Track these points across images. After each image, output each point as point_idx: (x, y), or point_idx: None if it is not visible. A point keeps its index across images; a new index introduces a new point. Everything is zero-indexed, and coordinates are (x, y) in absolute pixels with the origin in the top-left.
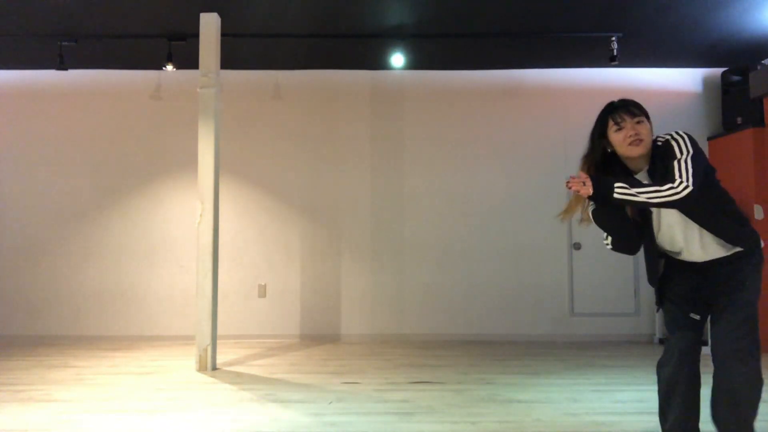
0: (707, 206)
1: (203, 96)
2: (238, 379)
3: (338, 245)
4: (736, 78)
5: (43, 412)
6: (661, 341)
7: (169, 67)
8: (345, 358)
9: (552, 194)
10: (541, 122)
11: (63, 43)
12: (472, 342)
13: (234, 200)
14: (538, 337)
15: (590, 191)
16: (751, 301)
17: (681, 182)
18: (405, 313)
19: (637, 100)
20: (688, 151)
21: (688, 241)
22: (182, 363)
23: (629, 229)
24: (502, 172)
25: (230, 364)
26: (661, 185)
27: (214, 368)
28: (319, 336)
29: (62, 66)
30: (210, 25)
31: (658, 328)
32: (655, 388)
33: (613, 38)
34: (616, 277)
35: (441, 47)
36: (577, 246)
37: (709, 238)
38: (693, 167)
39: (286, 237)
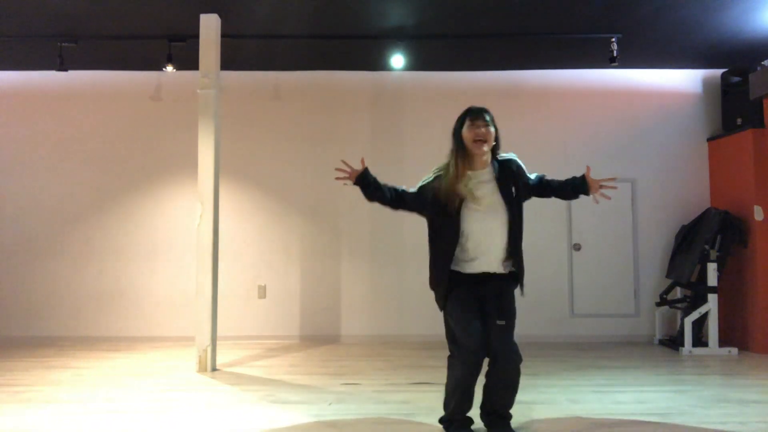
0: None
1: (203, 97)
2: (238, 380)
3: (338, 246)
4: (735, 79)
5: (43, 413)
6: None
7: (169, 68)
8: (345, 359)
9: None
10: (541, 123)
11: (63, 45)
12: None
13: (234, 201)
14: (537, 338)
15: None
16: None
17: None
18: (405, 313)
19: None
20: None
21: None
22: (182, 364)
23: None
24: None
25: (230, 365)
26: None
27: (214, 369)
28: (319, 337)
29: (62, 67)
30: (210, 26)
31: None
32: (656, 388)
33: (613, 39)
34: (616, 278)
35: (441, 48)
36: (577, 247)
37: None
38: None
39: (286, 238)
